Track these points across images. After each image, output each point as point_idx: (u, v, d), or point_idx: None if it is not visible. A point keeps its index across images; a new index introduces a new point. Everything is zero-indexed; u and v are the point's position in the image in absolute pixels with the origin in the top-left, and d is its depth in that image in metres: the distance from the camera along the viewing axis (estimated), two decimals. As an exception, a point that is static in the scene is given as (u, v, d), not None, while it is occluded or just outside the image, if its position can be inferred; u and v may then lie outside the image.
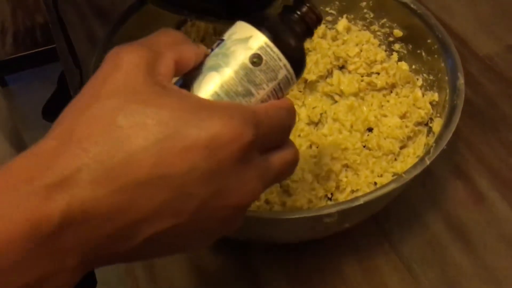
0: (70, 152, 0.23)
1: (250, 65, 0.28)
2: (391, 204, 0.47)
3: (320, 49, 0.56)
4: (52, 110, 1.55)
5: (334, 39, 0.57)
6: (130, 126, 0.23)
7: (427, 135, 0.49)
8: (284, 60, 0.29)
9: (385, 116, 0.51)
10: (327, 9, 0.58)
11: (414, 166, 0.40)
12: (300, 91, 0.55)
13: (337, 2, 0.58)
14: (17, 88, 1.78)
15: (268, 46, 0.29)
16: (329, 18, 0.59)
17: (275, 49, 0.29)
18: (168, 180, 0.23)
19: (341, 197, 0.46)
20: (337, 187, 0.47)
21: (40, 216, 0.21)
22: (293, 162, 0.29)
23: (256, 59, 0.28)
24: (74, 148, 0.23)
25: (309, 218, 0.37)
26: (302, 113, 0.53)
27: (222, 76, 0.28)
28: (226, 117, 0.24)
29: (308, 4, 0.31)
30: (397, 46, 0.55)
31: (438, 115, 0.48)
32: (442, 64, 0.48)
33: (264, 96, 0.29)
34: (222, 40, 0.30)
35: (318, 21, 0.32)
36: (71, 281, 0.23)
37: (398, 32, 0.54)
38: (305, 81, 0.55)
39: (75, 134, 0.23)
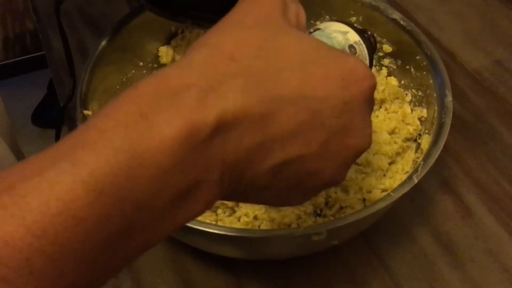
0: (223, 62, 0.23)
1: (348, 51, 0.33)
2: (380, 219, 0.47)
3: (310, 63, 0.56)
4: (41, 116, 1.55)
5: (324, 53, 0.57)
6: (275, 49, 0.24)
7: (416, 151, 0.49)
8: (367, 61, 0.34)
9: (374, 132, 0.51)
10: (317, 23, 0.59)
11: (403, 184, 0.40)
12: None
13: (327, 17, 0.58)
14: (6, 94, 1.76)
15: (360, 44, 0.34)
16: (319, 32, 0.59)
17: (365, 49, 0.34)
18: (309, 101, 0.24)
19: (330, 213, 0.47)
20: (326, 203, 0.47)
21: (197, 120, 0.21)
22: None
23: (352, 49, 0.33)
24: (226, 59, 0.23)
25: (297, 236, 0.37)
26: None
27: None
28: (358, 60, 0.26)
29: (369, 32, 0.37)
30: (386, 61, 0.56)
31: (427, 131, 0.48)
32: (431, 81, 0.48)
33: None
34: (319, 29, 0.34)
35: (375, 42, 0.38)
36: (211, 199, 0.23)
37: (387, 48, 0.55)
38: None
39: (226, 49, 0.24)
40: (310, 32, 0.32)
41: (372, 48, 0.37)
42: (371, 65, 0.37)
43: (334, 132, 0.25)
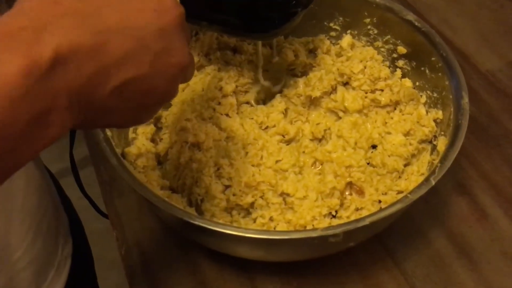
0: (49, 6, 0.26)
1: None
2: (394, 220, 0.47)
3: (324, 65, 0.56)
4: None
5: (338, 55, 0.57)
6: None
7: (431, 153, 0.49)
8: None
9: (389, 133, 0.51)
10: (331, 24, 0.59)
11: (420, 186, 0.40)
12: (304, 107, 0.55)
13: (341, 18, 0.58)
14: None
15: None
16: (333, 33, 0.59)
17: None
18: (131, 31, 0.28)
19: (345, 214, 0.46)
20: (341, 205, 0.47)
21: (35, 56, 0.25)
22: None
23: None
24: (51, 3, 0.26)
25: (314, 238, 0.37)
26: (305, 129, 0.53)
27: None
28: None
29: None
30: (401, 63, 0.55)
31: (443, 133, 0.48)
32: (447, 82, 0.48)
33: None
34: None
35: None
36: (64, 123, 0.27)
37: (402, 49, 0.55)
38: (309, 97, 0.55)
39: None
40: None
41: None
42: None
43: (158, 53, 0.29)
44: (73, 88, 0.26)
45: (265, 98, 0.57)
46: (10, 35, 0.25)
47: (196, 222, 0.39)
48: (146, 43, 0.29)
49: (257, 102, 0.56)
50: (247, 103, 0.56)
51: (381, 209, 0.39)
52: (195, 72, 0.55)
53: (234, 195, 0.48)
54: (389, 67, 0.56)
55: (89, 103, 0.28)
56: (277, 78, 0.57)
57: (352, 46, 0.57)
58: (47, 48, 0.25)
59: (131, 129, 0.51)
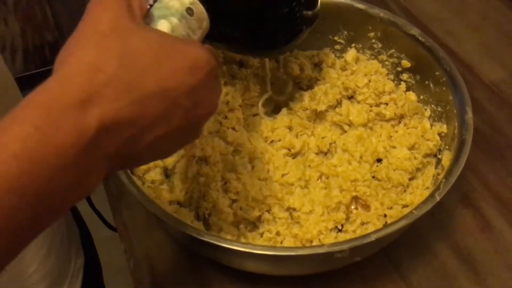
0: (92, 74, 0.28)
1: (187, 15, 0.36)
2: (400, 234, 0.47)
3: (329, 79, 0.57)
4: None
5: (343, 69, 0.58)
6: (132, 54, 0.29)
7: (436, 167, 0.50)
8: (205, 14, 0.37)
9: (394, 147, 0.52)
10: (336, 38, 0.59)
11: (425, 201, 0.40)
12: (310, 121, 0.56)
13: (345, 32, 0.59)
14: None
15: (196, 3, 0.37)
16: (337, 47, 0.60)
17: (200, 6, 0.37)
18: (166, 93, 0.30)
19: (351, 228, 0.47)
20: (347, 219, 0.48)
21: (82, 129, 0.27)
22: None
23: (190, 11, 0.36)
24: (94, 71, 0.28)
25: (321, 254, 0.38)
26: (311, 143, 0.54)
27: (171, 23, 0.35)
28: (199, 47, 0.32)
29: None
30: (405, 76, 0.56)
31: (447, 147, 0.49)
32: (450, 97, 0.48)
33: (196, 39, 0.37)
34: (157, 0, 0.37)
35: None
36: (100, 178, 0.29)
37: (406, 63, 0.55)
38: (315, 110, 0.55)
39: (91, 61, 0.28)
40: (151, 5, 0.35)
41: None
42: (212, 12, 0.39)
43: (189, 109, 0.32)
44: (111, 152, 0.29)
45: (273, 110, 0.58)
46: (58, 107, 0.27)
47: (204, 238, 0.39)
48: (178, 102, 0.31)
49: (265, 113, 0.57)
50: (254, 115, 0.57)
51: (386, 225, 0.39)
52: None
53: (241, 209, 0.49)
54: (393, 80, 0.57)
55: (123, 158, 0.30)
56: (283, 90, 0.58)
57: (357, 60, 0.58)
58: (92, 121, 0.27)
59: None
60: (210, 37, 0.39)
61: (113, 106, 0.28)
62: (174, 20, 0.35)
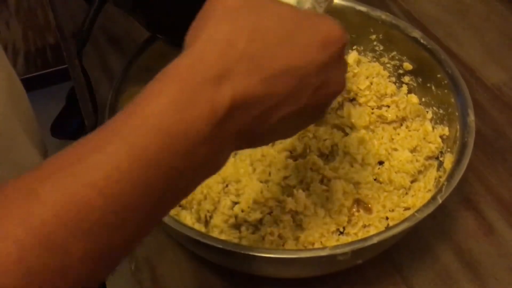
0: (224, 50, 0.28)
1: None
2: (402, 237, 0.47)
3: (331, 81, 0.57)
4: (60, 127, 1.56)
5: (345, 71, 0.58)
6: (263, 29, 0.28)
7: (438, 169, 0.49)
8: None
9: (395, 150, 0.52)
10: None
11: (427, 204, 0.40)
12: (311, 123, 0.56)
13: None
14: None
15: None
16: (339, 49, 0.60)
17: None
18: (296, 71, 0.29)
19: (352, 231, 0.47)
20: (349, 221, 0.48)
21: (216, 104, 0.27)
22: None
23: None
24: (226, 46, 0.28)
25: (323, 257, 0.38)
26: (313, 145, 0.54)
27: None
28: (332, 21, 0.31)
29: None
30: (406, 79, 0.56)
31: (449, 150, 0.49)
32: (452, 100, 0.48)
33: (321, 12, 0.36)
34: None
35: None
36: (228, 156, 0.30)
37: (408, 65, 0.55)
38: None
39: (223, 37, 0.28)
40: None
41: None
42: None
43: (317, 87, 0.30)
44: (239, 129, 0.28)
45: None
46: (193, 82, 0.27)
47: (205, 241, 0.39)
48: (308, 80, 0.30)
49: None
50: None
51: (388, 228, 0.39)
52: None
53: (242, 211, 0.49)
54: (395, 82, 0.57)
55: (249, 137, 0.30)
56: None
57: (358, 63, 0.58)
58: (226, 97, 0.27)
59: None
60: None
61: (244, 83, 0.27)
62: None
